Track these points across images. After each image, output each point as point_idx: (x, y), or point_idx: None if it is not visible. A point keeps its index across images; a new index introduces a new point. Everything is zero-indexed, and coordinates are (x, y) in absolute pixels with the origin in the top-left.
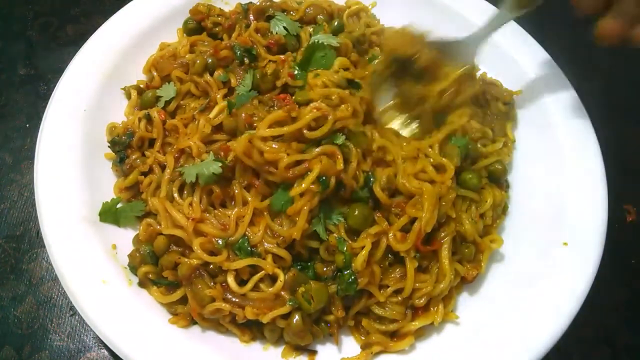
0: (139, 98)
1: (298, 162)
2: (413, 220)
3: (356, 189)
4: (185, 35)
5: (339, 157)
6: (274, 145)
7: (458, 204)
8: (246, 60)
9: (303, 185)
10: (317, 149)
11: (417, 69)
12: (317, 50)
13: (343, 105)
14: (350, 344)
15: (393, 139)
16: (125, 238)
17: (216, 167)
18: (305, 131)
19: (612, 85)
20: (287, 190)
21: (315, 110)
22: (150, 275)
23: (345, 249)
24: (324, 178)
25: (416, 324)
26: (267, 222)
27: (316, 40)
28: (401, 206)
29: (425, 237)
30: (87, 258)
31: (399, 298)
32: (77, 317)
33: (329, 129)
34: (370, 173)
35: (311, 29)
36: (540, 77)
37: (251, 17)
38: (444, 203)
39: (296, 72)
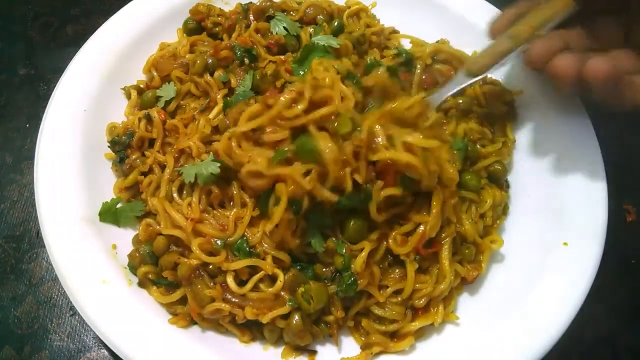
0: (139, 98)
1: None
2: (415, 224)
3: (341, 199)
4: (185, 35)
5: (310, 174)
6: (252, 147)
7: (458, 205)
8: (246, 61)
9: (274, 216)
10: (281, 169)
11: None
12: (313, 52)
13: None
14: (350, 344)
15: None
16: (125, 238)
17: (214, 168)
18: (283, 111)
19: None
20: (268, 197)
21: (290, 92)
22: (150, 275)
23: (344, 251)
24: (295, 206)
25: (416, 325)
26: (266, 224)
27: (314, 42)
28: (403, 216)
29: (426, 239)
30: (87, 258)
31: (399, 299)
32: (77, 317)
33: (305, 105)
34: (367, 187)
35: (311, 30)
36: (540, 77)
37: (251, 17)
38: (446, 208)
39: (294, 68)
